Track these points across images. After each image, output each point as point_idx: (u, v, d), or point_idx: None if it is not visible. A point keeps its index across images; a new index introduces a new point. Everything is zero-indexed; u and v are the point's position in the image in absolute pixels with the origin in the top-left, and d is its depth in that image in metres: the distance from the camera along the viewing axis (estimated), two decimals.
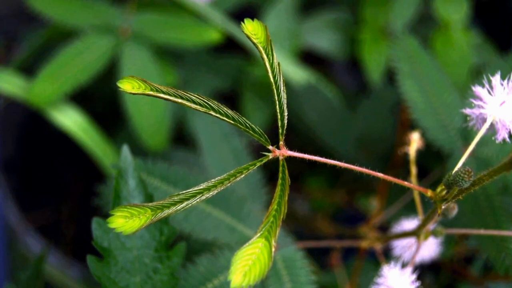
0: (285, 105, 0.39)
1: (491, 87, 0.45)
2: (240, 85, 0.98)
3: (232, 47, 0.96)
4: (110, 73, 0.86)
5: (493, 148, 0.62)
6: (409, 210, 0.68)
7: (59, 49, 0.84)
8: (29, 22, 1.04)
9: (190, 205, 0.37)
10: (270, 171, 0.70)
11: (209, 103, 0.38)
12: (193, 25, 0.88)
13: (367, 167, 0.42)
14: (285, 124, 0.39)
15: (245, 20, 0.40)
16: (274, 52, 0.40)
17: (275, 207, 0.37)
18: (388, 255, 0.64)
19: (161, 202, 0.37)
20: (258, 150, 0.43)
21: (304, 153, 0.40)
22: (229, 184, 0.38)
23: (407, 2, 0.95)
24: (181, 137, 0.99)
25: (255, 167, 0.39)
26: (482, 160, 0.62)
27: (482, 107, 0.45)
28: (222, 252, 0.57)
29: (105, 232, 0.48)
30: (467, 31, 0.93)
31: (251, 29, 0.39)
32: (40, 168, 1.11)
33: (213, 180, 0.38)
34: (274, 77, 0.39)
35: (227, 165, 0.71)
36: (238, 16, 0.87)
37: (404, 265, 0.53)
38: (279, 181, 0.38)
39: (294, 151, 0.40)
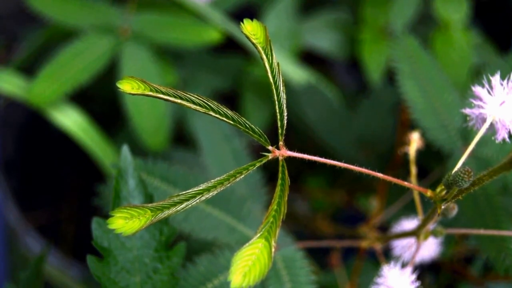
0: (284, 105, 0.39)
1: (491, 87, 0.45)
2: (240, 85, 0.98)
3: (232, 47, 0.96)
4: (110, 73, 0.86)
5: (493, 148, 0.62)
6: (409, 210, 0.68)
7: (59, 49, 0.84)
8: (29, 22, 1.04)
9: (190, 205, 0.37)
10: (270, 171, 0.70)
11: (209, 103, 0.38)
12: (193, 25, 0.88)
13: (367, 167, 0.42)
14: (285, 124, 0.39)
15: (245, 20, 0.40)
16: (273, 52, 0.40)
17: (275, 207, 0.37)
18: (388, 255, 0.64)
19: (161, 203, 0.37)
20: (258, 151, 0.43)
21: (304, 153, 0.40)
22: (228, 185, 0.38)
23: (407, 2, 0.95)
24: (181, 137, 0.99)
25: (254, 168, 0.39)
26: (482, 160, 0.62)
27: (482, 107, 0.45)
28: (222, 252, 0.57)
29: (105, 232, 0.48)
30: (467, 31, 0.93)
31: (251, 29, 0.39)
32: (40, 168, 1.11)
33: (213, 180, 0.38)
34: (273, 77, 0.39)
35: (227, 166, 0.71)
36: (238, 16, 0.87)
37: (404, 265, 0.53)
38: (279, 181, 0.38)
39: (294, 151, 0.40)
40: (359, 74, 0.99)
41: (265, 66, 0.39)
